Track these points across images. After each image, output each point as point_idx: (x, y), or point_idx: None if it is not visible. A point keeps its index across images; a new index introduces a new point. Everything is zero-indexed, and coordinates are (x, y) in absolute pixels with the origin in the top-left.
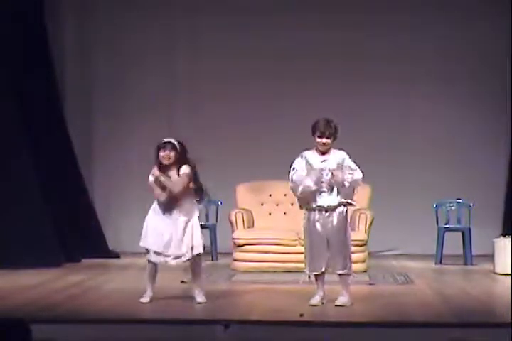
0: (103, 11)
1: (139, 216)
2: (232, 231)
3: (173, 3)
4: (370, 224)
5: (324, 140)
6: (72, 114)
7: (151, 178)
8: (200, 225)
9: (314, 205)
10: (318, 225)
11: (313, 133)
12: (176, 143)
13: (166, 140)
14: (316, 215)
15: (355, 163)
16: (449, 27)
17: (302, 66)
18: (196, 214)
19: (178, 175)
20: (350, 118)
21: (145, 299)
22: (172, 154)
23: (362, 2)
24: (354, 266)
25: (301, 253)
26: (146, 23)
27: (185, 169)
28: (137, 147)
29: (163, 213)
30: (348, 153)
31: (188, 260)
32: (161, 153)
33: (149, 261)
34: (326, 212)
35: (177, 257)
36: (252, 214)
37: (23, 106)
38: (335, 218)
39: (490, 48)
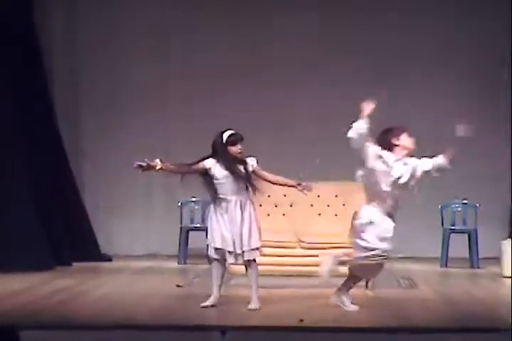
0: (92, 1)
1: (132, 217)
2: None
3: None
4: None
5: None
6: (61, 108)
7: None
8: (199, 227)
9: None
10: None
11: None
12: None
13: (230, 132)
14: None
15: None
16: (449, 21)
17: (299, 61)
18: None
19: (246, 168)
20: (353, 115)
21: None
22: (243, 147)
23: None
24: None
25: (302, 255)
26: (136, 13)
27: (254, 161)
28: (129, 144)
29: None
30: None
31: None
32: (233, 148)
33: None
34: None
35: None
36: None
37: (13, 100)
38: None
39: (490, 43)
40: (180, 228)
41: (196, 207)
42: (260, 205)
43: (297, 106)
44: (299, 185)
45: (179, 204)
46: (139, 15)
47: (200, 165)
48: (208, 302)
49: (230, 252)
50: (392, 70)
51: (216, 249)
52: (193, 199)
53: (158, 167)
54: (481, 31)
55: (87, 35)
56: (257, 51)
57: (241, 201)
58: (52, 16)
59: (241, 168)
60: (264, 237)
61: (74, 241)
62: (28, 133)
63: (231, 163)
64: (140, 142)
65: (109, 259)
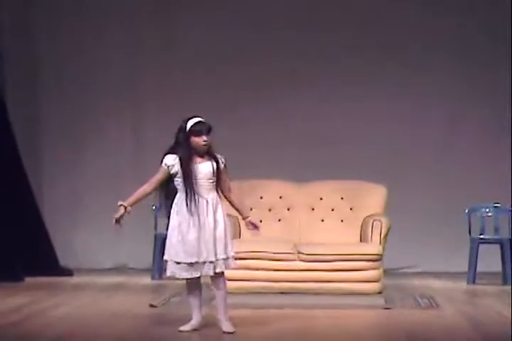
0: None
1: (98, 225)
2: None
3: None
4: (386, 234)
5: None
6: (16, 107)
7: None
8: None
9: None
10: None
11: None
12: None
13: (198, 119)
14: None
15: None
16: (451, 22)
17: (288, 61)
18: None
19: (218, 165)
20: (365, 116)
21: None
22: (210, 139)
23: None
24: (366, 286)
25: (301, 270)
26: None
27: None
28: (97, 145)
29: None
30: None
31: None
32: (198, 139)
33: None
34: None
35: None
36: (238, 221)
37: None
38: None
39: (491, 45)
40: (155, 236)
41: (175, 210)
42: (251, 209)
43: (290, 103)
44: (246, 218)
45: (153, 207)
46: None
47: (162, 169)
48: (187, 327)
49: (197, 263)
50: (387, 70)
51: (178, 263)
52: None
53: (126, 210)
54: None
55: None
56: (238, 48)
57: (211, 201)
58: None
59: (203, 161)
60: (255, 248)
61: (27, 253)
62: None
63: (188, 157)
64: (106, 144)
65: (69, 274)
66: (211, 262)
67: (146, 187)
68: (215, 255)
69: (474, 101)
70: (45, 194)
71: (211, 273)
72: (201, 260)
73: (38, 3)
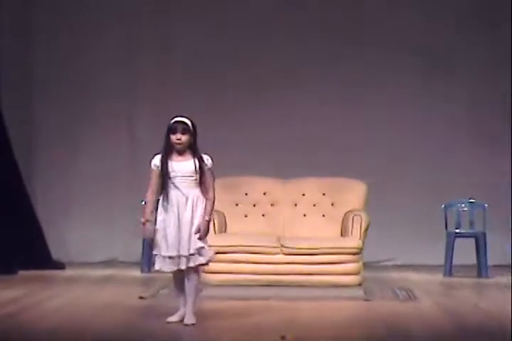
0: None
1: (90, 219)
2: None
3: None
4: (366, 228)
5: None
6: (11, 104)
7: (154, 168)
8: (145, 221)
9: None
10: None
11: None
12: (189, 123)
13: (177, 119)
14: None
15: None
16: (446, 27)
17: (278, 62)
18: None
19: (200, 163)
20: (349, 114)
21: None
22: (185, 138)
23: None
24: (346, 278)
25: (284, 263)
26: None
27: (209, 163)
28: (89, 142)
29: None
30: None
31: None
32: (172, 137)
33: None
34: None
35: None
36: (224, 216)
37: None
38: None
39: (491, 48)
40: None
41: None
42: (236, 204)
43: (283, 104)
44: (206, 221)
45: (143, 203)
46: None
47: (153, 171)
48: (175, 317)
49: (177, 257)
50: (384, 73)
51: (163, 257)
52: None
53: (146, 221)
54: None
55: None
56: (237, 49)
57: (191, 197)
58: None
59: (180, 159)
60: (240, 241)
61: (20, 246)
62: None
63: (165, 154)
64: (98, 141)
65: (62, 267)
66: (185, 256)
67: (151, 196)
68: (188, 250)
69: (461, 104)
70: (40, 194)
71: (183, 266)
72: (182, 253)
73: (37, 3)
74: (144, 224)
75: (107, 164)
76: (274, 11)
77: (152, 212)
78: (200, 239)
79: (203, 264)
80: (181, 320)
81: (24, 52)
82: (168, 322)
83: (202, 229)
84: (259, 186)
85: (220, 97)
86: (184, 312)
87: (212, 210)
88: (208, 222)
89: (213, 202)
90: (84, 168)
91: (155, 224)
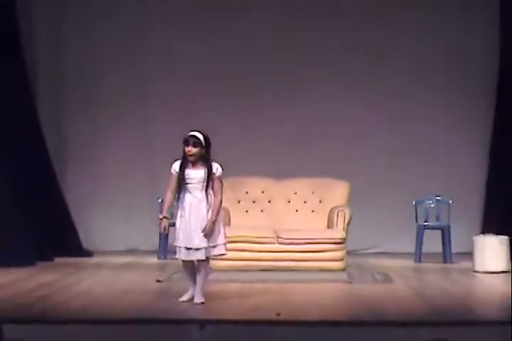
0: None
1: (113, 213)
2: None
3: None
4: (349, 221)
5: None
6: (44, 105)
7: (175, 169)
8: (163, 218)
9: None
10: None
11: None
12: (200, 137)
13: (190, 133)
14: None
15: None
16: (434, 29)
17: (281, 65)
18: None
19: (209, 173)
20: (330, 117)
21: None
22: (195, 150)
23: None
24: (332, 264)
25: (279, 251)
26: (119, 13)
27: (218, 172)
28: (113, 141)
29: None
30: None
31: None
32: (185, 148)
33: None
34: None
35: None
36: (228, 211)
37: None
38: None
39: (475, 45)
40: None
41: (175, 203)
42: (239, 201)
43: (280, 108)
44: (212, 221)
45: (159, 200)
46: (122, 14)
47: (171, 175)
48: (185, 297)
49: (191, 249)
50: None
51: (180, 247)
52: None
53: (165, 218)
54: (464, 33)
55: (71, 38)
56: (242, 52)
57: (205, 198)
58: (36, 21)
59: (194, 167)
60: (242, 233)
61: (56, 237)
62: (9, 133)
63: (181, 163)
64: (124, 141)
65: (90, 255)
66: (199, 249)
67: (169, 195)
68: (205, 242)
69: (433, 105)
70: (71, 191)
71: (202, 257)
72: (194, 246)
73: (70, 20)
74: (161, 219)
75: (128, 166)
76: (276, 17)
77: (168, 210)
78: (205, 236)
79: (213, 257)
80: (191, 299)
81: (57, 63)
82: (180, 301)
83: (207, 228)
84: (258, 185)
85: (227, 101)
86: (193, 293)
87: (218, 211)
88: (214, 222)
89: (220, 204)
90: (109, 169)
91: (175, 220)
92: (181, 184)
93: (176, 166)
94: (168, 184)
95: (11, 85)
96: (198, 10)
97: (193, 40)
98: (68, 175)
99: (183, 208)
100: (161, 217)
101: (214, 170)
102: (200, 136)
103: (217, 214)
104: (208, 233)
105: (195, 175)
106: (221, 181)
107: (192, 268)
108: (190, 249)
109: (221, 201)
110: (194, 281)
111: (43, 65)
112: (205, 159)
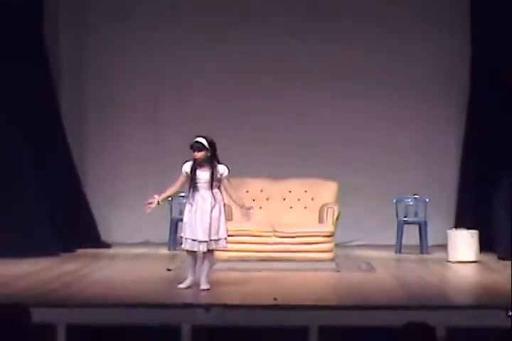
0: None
1: (129, 209)
2: None
3: (158, 14)
4: (337, 217)
5: None
6: (66, 101)
7: (186, 169)
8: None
9: None
10: None
11: None
12: (204, 142)
13: (195, 139)
14: None
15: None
16: (407, 35)
17: (280, 69)
18: None
19: (215, 174)
20: (317, 119)
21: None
22: (200, 154)
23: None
24: (322, 255)
25: (276, 243)
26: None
27: (224, 172)
28: (128, 143)
29: None
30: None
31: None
32: (193, 153)
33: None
34: None
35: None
36: (230, 207)
37: (15, 94)
38: None
39: (446, 45)
40: (170, 219)
41: (184, 201)
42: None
43: (277, 113)
44: (241, 207)
45: (169, 199)
46: (137, 27)
47: (181, 174)
48: (183, 284)
49: (196, 241)
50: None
51: (186, 239)
52: (182, 194)
53: (157, 201)
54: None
55: (92, 48)
56: (250, 62)
57: (210, 196)
58: (60, 31)
59: (202, 169)
60: (243, 227)
61: (77, 231)
62: (32, 128)
63: (191, 165)
64: (142, 137)
65: (108, 246)
66: (205, 241)
67: (173, 188)
68: (208, 236)
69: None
70: (91, 189)
71: (204, 249)
72: (198, 239)
73: (93, 32)
74: (151, 202)
75: (141, 168)
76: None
77: (164, 199)
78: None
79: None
80: (189, 287)
81: (78, 67)
82: (180, 288)
83: (244, 213)
84: (257, 185)
85: (231, 107)
86: (191, 281)
87: (242, 201)
88: (249, 208)
89: (239, 198)
90: (124, 171)
91: (179, 214)
92: (191, 183)
93: (186, 167)
94: (177, 180)
95: (35, 88)
96: (210, 20)
97: (202, 58)
98: (88, 175)
99: (191, 204)
100: (155, 196)
101: (221, 171)
102: (204, 141)
103: (243, 204)
104: (246, 216)
105: (203, 175)
106: (229, 180)
107: (194, 259)
108: (194, 240)
109: (236, 194)
110: (194, 270)
111: (67, 66)
112: (210, 161)
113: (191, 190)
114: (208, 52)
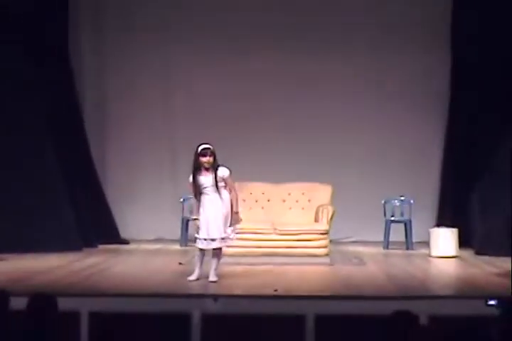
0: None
1: (145, 209)
2: None
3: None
4: (331, 216)
5: None
6: (87, 107)
7: (190, 179)
8: (195, 218)
9: None
10: None
11: None
12: (212, 147)
13: (205, 146)
14: None
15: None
16: (388, 38)
17: (282, 70)
18: None
19: (215, 174)
20: (310, 123)
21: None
22: (211, 159)
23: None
24: (318, 251)
25: (276, 240)
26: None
27: (226, 173)
28: (143, 146)
29: None
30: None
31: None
32: (203, 159)
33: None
34: None
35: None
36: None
37: (40, 94)
38: None
39: (426, 55)
40: (182, 218)
41: (193, 202)
42: (244, 200)
43: (277, 127)
44: (235, 213)
45: (181, 200)
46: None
47: (190, 184)
48: (192, 277)
49: (206, 239)
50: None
51: (199, 238)
52: (190, 196)
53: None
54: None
55: (110, 55)
56: (252, 59)
57: (218, 198)
58: (82, 40)
59: (207, 174)
60: (247, 226)
61: (99, 228)
62: (59, 132)
63: (196, 169)
64: (161, 138)
65: (126, 242)
66: (214, 239)
67: (194, 200)
68: (216, 234)
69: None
70: (110, 189)
71: (217, 246)
72: (208, 237)
73: (111, 30)
74: (194, 220)
75: (156, 170)
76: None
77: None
78: (231, 225)
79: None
80: (198, 279)
81: (100, 73)
82: (189, 280)
83: (233, 219)
84: (259, 188)
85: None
86: (199, 273)
87: (237, 203)
88: (237, 213)
89: (237, 199)
90: (141, 172)
91: (190, 214)
92: (198, 189)
93: (190, 179)
94: (192, 192)
95: (59, 92)
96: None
97: (210, 71)
98: (108, 177)
99: (202, 207)
100: (193, 218)
101: (223, 173)
102: (212, 147)
103: (238, 206)
104: (235, 221)
105: (208, 180)
106: (232, 180)
107: (203, 254)
108: (209, 239)
109: (237, 195)
110: (201, 264)
111: (89, 65)
112: (213, 166)
113: (200, 194)
114: (213, 57)
